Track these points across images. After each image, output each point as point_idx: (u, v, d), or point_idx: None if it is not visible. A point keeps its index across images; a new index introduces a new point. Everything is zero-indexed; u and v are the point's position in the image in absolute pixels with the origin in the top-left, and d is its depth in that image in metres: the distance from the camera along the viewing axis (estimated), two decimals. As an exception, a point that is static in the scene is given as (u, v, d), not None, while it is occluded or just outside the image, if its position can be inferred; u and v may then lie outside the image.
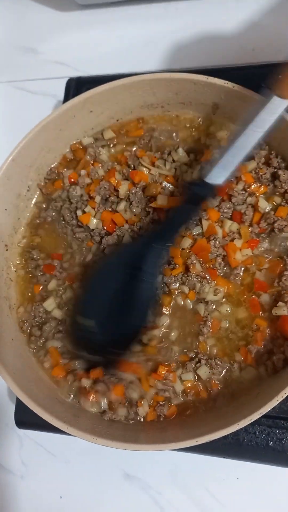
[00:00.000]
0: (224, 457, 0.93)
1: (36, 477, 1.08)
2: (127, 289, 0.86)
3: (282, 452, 0.89)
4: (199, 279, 0.91)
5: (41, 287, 1.00)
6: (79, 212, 1.01)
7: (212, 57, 1.17)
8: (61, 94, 1.21)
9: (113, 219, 0.98)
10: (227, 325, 0.91)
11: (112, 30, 1.30)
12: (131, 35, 1.28)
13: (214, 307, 0.91)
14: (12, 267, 1.02)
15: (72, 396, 0.91)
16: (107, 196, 1.01)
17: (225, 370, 0.88)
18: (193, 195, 0.85)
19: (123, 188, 0.99)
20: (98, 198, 1.00)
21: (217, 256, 0.91)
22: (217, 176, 0.82)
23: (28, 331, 0.97)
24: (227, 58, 1.16)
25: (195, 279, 0.91)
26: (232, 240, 0.92)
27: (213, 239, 0.91)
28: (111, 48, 1.29)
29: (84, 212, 1.00)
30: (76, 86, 1.18)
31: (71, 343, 0.94)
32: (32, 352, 0.96)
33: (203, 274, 0.91)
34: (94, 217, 0.99)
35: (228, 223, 0.92)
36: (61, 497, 1.05)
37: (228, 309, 0.91)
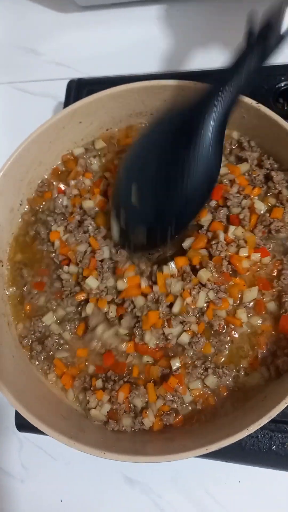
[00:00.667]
0: (226, 461, 0.92)
1: (36, 480, 1.07)
2: (182, 163, 0.75)
3: (284, 456, 0.88)
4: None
5: (31, 305, 0.99)
6: (54, 227, 1.00)
7: (214, 60, 1.16)
8: (61, 95, 1.21)
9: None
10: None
11: (112, 31, 1.31)
12: (131, 37, 1.29)
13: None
14: (6, 284, 1.02)
15: (80, 400, 0.91)
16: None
17: (231, 377, 0.87)
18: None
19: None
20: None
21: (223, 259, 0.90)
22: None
23: (29, 346, 0.96)
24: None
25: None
26: (237, 247, 0.90)
27: (215, 243, 0.90)
28: (111, 49, 1.29)
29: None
30: (77, 88, 1.18)
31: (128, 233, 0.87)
32: (35, 367, 0.95)
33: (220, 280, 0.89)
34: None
35: (232, 228, 0.91)
36: (61, 501, 1.04)
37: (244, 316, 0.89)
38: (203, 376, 0.87)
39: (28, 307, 0.99)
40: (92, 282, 0.91)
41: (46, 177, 1.06)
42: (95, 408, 0.88)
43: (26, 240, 1.04)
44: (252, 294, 0.88)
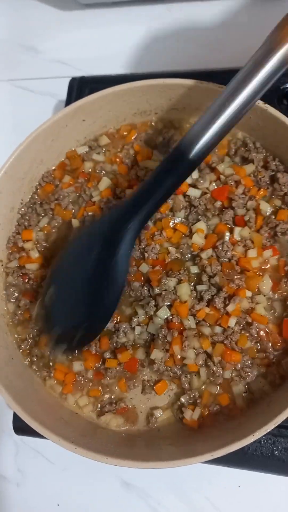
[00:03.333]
0: (228, 466, 0.91)
1: (32, 485, 1.05)
2: (97, 275, 0.81)
3: (287, 462, 0.87)
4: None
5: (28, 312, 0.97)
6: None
7: (216, 59, 1.16)
8: (61, 94, 1.20)
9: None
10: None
11: (114, 30, 1.30)
12: (133, 35, 1.28)
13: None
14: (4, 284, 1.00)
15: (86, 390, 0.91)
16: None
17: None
18: (168, 163, 0.77)
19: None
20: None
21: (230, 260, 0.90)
22: (195, 138, 0.73)
23: (27, 351, 0.94)
24: (230, 60, 1.13)
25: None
26: (245, 247, 0.90)
27: (221, 244, 0.90)
28: (113, 48, 1.28)
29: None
30: (79, 86, 1.17)
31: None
32: (34, 371, 0.93)
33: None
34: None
35: (237, 229, 0.90)
36: (58, 505, 1.02)
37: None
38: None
39: (25, 313, 0.97)
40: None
41: (53, 168, 1.05)
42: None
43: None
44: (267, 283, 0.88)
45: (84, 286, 0.82)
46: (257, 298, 0.87)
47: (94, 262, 0.81)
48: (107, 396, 0.90)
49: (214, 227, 0.92)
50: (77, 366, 0.91)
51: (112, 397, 0.90)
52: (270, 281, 0.88)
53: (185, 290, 0.88)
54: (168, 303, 0.88)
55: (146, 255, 0.91)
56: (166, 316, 0.88)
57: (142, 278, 0.92)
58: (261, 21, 1.15)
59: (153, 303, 0.89)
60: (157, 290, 0.89)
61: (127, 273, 0.86)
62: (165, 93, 0.96)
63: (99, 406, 0.90)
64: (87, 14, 1.35)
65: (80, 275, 0.82)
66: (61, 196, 1.01)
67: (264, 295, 0.88)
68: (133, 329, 0.89)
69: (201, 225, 0.92)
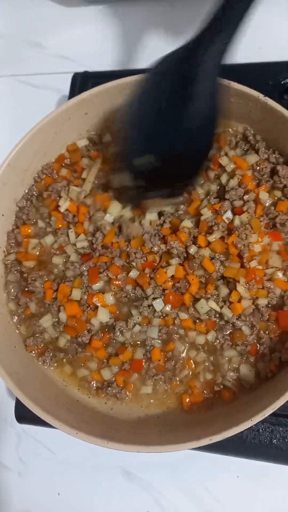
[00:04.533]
0: (227, 454, 0.92)
1: (34, 474, 1.07)
2: (183, 104, 0.73)
3: (285, 450, 0.89)
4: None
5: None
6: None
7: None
8: (65, 89, 1.21)
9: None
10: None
11: (117, 25, 1.31)
12: (137, 31, 1.28)
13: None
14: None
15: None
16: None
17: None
18: None
19: None
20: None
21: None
22: None
23: (31, 345, 0.95)
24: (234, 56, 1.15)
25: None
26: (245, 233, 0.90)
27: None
28: (116, 43, 1.29)
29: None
30: (82, 81, 1.18)
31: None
32: (37, 361, 0.95)
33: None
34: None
35: (237, 217, 0.91)
36: (59, 494, 1.04)
37: None
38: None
39: (26, 310, 0.98)
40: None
41: (52, 161, 1.06)
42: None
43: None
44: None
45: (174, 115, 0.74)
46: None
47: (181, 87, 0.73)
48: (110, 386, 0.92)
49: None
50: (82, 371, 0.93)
51: (115, 385, 0.91)
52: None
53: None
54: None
55: (134, 263, 0.92)
56: (161, 308, 0.89)
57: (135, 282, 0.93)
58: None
59: (146, 303, 0.90)
60: (149, 291, 0.91)
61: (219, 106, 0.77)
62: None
63: (102, 394, 0.91)
64: (91, 9, 1.36)
65: (168, 104, 0.74)
66: (54, 189, 1.02)
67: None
68: (130, 329, 0.90)
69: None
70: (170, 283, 0.90)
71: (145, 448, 0.75)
